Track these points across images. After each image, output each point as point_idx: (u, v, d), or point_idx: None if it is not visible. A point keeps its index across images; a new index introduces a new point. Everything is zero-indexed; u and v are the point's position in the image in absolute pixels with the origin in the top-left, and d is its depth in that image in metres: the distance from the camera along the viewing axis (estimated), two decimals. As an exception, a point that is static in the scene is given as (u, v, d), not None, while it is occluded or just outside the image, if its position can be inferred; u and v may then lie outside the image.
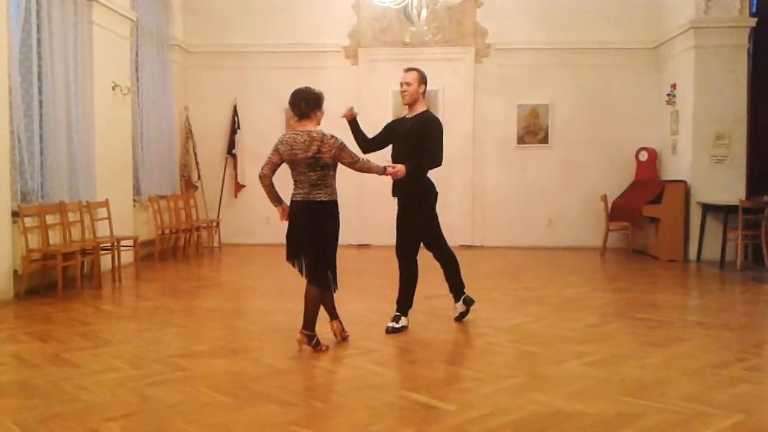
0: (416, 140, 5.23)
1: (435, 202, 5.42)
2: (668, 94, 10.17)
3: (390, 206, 5.64)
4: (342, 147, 4.64)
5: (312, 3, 10.89)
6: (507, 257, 9.90)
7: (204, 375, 4.20)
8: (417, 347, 4.90)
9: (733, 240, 8.83)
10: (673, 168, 10.13)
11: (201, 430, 3.32)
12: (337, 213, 4.75)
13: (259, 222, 10.99)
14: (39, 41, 6.94)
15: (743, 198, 9.06)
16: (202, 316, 6.00)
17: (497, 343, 4.99)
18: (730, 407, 3.64)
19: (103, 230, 7.89)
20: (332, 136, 4.64)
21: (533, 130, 10.93)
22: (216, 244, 10.73)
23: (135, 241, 8.16)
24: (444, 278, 5.65)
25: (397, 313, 5.36)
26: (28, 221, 6.65)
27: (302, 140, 4.59)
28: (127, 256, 8.23)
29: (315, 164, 4.59)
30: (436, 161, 5.28)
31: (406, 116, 5.46)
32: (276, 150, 4.74)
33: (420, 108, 5.39)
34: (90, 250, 7.32)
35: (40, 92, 6.97)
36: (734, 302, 7.08)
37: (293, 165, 4.68)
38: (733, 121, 9.45)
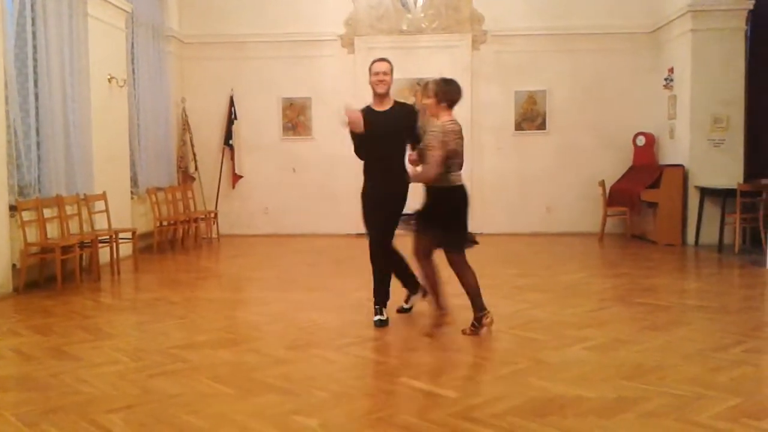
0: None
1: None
2: (666, 79, 10.14)
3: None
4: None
5: (307, -9, 10.86)
6: (506, 244, 9.89)
7: (205, 366, 4.21)
8: (418, 335, 4.91)
9: (731, 224, 8.84)
10: (671, 152, 10.12)
11: (202, 420, 3.33)
12: None
13: (258, 212, 11.04)
14: (34, 34, 6.90)
15: (741, 181, 9.06)
16: (201, 308, 6.01)
17: (497, 329, 4.99)
18: (730, 390, 3.66)
19: (101, 223, 7.89)
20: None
21: (531, 117, 10.91)
22: (214, 235, 10.73)
23: (133, 233, 8.16)
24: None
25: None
26: (26, 215, 6.64)
27: (459, 128, 4.76)
28: (125, 249, 8.22)
29: None
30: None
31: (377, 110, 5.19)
32: (443, 144, 4.62)
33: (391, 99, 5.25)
34: (88, 243, 7.31)
35: (36, 85, 6.94)
36: (732, 286, 7.09)
37: (456, 151, 4.72)
38: (730, 105, 9.44)
